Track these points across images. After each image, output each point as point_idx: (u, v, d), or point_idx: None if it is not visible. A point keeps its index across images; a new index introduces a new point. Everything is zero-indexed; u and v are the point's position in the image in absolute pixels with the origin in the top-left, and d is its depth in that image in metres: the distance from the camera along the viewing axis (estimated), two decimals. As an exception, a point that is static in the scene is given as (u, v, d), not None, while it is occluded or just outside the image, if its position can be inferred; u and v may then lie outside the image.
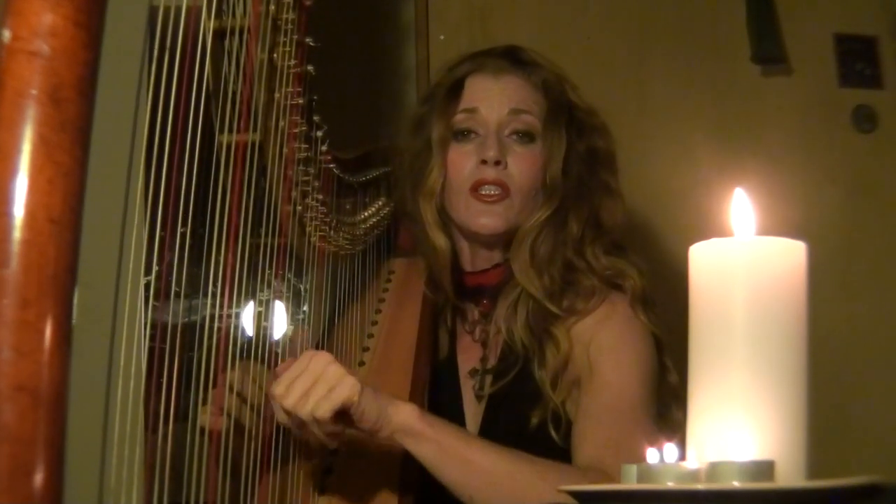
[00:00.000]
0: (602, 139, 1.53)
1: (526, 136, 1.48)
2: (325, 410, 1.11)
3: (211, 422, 1.15)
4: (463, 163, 1.48)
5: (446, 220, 1.52)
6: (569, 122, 1.50)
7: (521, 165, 1.47)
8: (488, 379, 1.45)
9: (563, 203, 1.47)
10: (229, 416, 1.18)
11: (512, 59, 1.53)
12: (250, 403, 1.22)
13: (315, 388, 1.12)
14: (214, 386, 1.14)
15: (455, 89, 1.53)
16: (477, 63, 1.54)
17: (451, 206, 1.50)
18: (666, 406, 1.42)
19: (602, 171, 1.52)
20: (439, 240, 1.50)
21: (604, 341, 1.38)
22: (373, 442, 1.25)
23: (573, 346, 1.39)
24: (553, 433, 1.36)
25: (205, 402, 1.12)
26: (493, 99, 1.49)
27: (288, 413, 1.14)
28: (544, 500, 1.15)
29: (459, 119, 1.50)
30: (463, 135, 1.50)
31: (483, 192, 1.46)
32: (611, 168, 1.53)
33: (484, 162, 1.45)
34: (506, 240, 1.50)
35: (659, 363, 1.43)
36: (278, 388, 1.13)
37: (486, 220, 1.46)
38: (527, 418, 1.37)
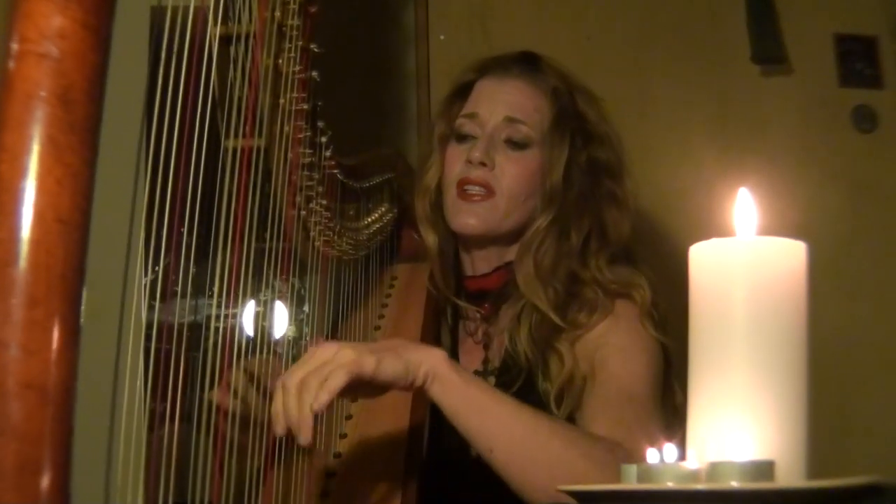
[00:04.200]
0: (608, 149, 1.52)
1: (518, 144, 1.48)
2: (321, 403, 1.07)
3: (220, 399, 1.14)
4: (455, 161, 1.50)
5: (439, 220, 1.53)
6: (574, 131, 1.50)
7: (512, 169, 1.47)
8: (491, 381, 1.45)
9: (564, 212, 1.46)
10: (237, 398, 1.18)
11: (523, 64, 1.54)
12: (261, 392, 1.21)
13: (320, 371, 1.08)
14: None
15: (462, 91, 1.55)
16: (488, 67, 1.55)
17: (444, 204, 1.51)
18: (670, 425, 1.41)
19: (607, 181, 1.51)
20: (429, 236, 1.53)
21: (611, 341, 1.38)
22: (375, 446, 1.25)
23: (577, 362, 1.38)
24: None
25: (210, 405, 1.12)
26: (492, 103, 1.50)
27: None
28: (561, 458, 1.14)
29: (460, 123, 1.52)
30: (463, 138, 1.51)
31: (467, 191, 1.47)
32: (617, 178, 1.51)
33: (469, 162, 1.46)
34: (499, 243, 1.50)
35: (665, 383, 1.42)
36: (276, 401, 1.09)
37: (467, 219, 1.46)
38: None
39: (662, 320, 1.44)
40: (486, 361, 1.48)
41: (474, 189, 1.46)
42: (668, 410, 1.42)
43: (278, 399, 1.09)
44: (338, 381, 1.08)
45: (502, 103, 1.50)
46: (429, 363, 1.14)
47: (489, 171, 1.46)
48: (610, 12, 2.28)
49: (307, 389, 1.07)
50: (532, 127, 1.48)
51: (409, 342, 1.17)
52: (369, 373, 1.10)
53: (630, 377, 1.34)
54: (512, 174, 1.46)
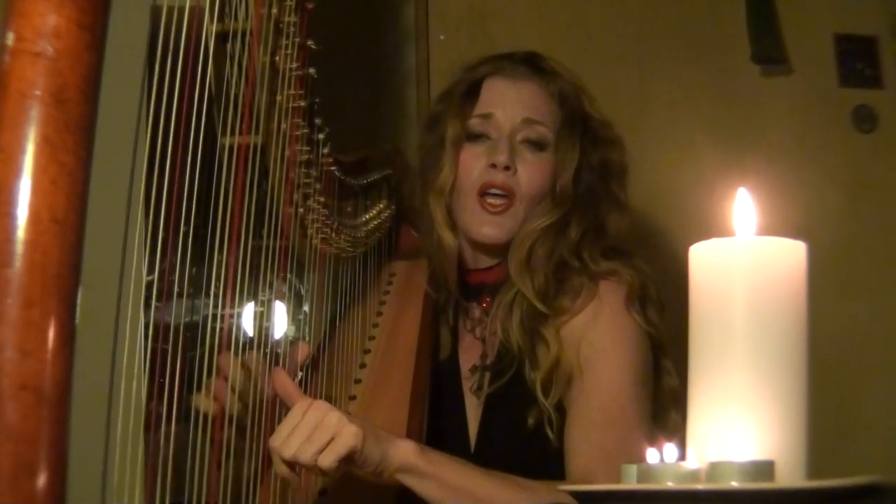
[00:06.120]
0: (615, 152, 1.54)
1: (537, 145, 1.49)
2: (330, 461, 1.09)
3: (206, 405, 1.14)
4: (473, 165, 1.49)
5: (454, 220, 1.52)
6: (583, 133, 1.51)
7: (531, 173, 1.47)
8: (487, 376, 1.46)
9: (570, 212, 1.47)
10: (223, 401, 1.17)
11: (531, 66, 1.54)
12: (242, 390, 1.21)
13: (316, 436, 1.09)
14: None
15: (473, 90, 1.54)
16: (496, 66, 1.55)
17: (458, 207, 1.51)
18: (664, 409, 1.42)
19: (612, 183, 1.52)
20: (448, 238, 1.51)
21: (595, 341, 1.38)
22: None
23: (563, 349, 1.38)
24: (549, 432, 1.36)
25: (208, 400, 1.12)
26: (508, 105, 1.50)
27: (288, 463, 1.11)
28: None
29: (474, 123, 1.51)
30: (476, 137, 1.51)
31: (489, 200, 1.47)
32: (621, 181, 1.53)
33: (493, 166, 1.46)
34: (507, 243, 1.50)
35: (657, 366, 1.43)
36: (276, 440, 1.11)
37: (489, 230, 1.47)
38: (523, 419, 1.37)
39: (655, 305, 1.44)
40: (483, 356, 1.49)
41: (497, 199, 1.46)
42: (661, 393, 1.42)
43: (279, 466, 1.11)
44: (347, 443, 1.09)
45: (519, 104, 1.50)
46: (401, 457, 1.15)
47: (512, 176, 1.47)
48: (610, 12, 2.28)
49: (314, 444, 1.09)
50: (548, 128, 1.49)
51: (380, 430, 1.16)
52: (358, 447, 1.10)
53: (612, 390, 1.34)
54: (531, 177, 1.47)
